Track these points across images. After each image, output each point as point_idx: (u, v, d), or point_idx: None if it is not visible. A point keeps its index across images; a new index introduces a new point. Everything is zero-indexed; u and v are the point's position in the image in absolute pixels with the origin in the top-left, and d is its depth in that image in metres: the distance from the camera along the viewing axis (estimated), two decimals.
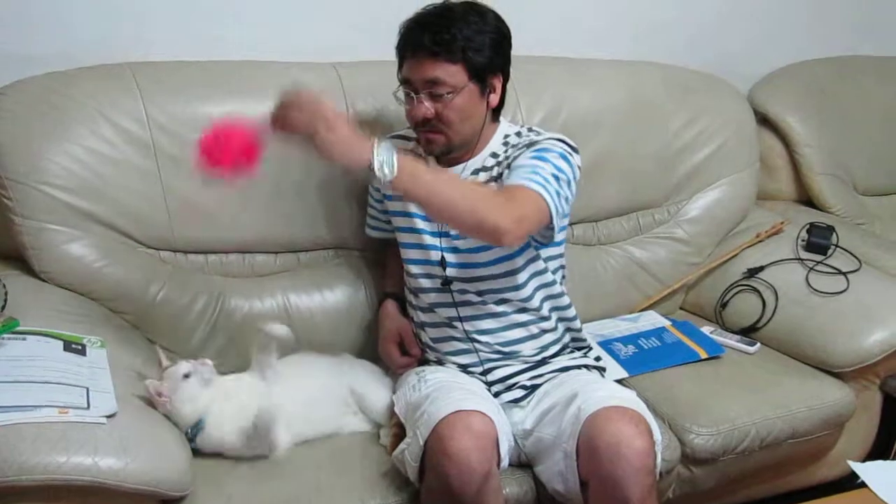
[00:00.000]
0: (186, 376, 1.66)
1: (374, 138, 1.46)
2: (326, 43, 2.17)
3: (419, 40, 1.66)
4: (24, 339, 1.57)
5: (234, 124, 1.49)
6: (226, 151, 1.46)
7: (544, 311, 1.83)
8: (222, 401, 1.69)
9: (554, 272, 1.84)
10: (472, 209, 1.52)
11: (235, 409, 1.69)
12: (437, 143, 1.73)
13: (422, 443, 1.55)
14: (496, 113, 1.80)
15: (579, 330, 1.90)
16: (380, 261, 2.10)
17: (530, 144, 1.72)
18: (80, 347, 1.62)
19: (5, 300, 1.59)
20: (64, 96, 1.84)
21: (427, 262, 1.81)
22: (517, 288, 1.79)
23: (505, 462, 1.62)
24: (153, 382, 1.63)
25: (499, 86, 1.75)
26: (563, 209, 1.67)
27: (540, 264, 1.80)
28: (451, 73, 1.66)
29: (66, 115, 1.82)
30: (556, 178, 1.64)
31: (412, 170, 1.48)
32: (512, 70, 1.80)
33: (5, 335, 1.54)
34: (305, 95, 1.45)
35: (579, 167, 1.73)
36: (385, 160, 1.43)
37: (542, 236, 1.74)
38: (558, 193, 1.63)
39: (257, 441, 1.66)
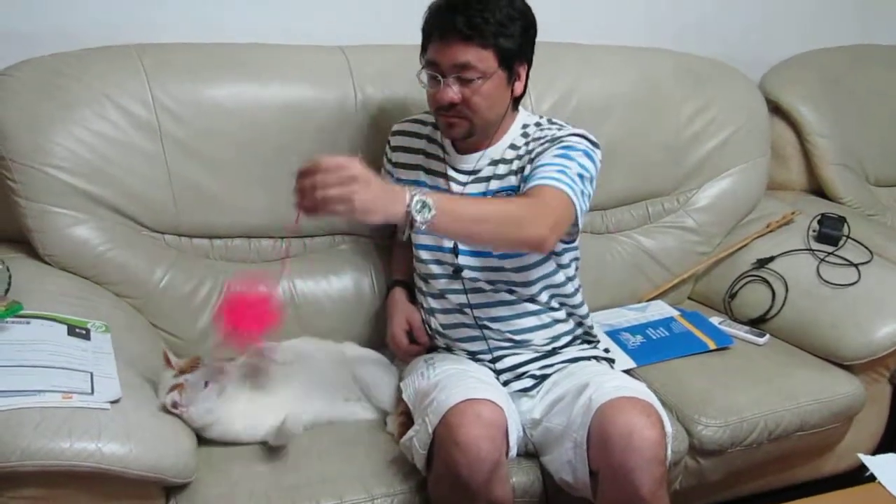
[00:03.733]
0: (205, 384, 1.62)
1: (402, 186, 1.42)
2: (334, 26, 2.15)
3: (450, 23, 1.62)
4: (27, 322, 1.56)
5: (248, 293, 1.57)
6: (245, 320, 1.53)
7: (554, 304, 1.81)
8: (236, 402, 1.68)
9: (567, 265, 1.82)
10: (512, 230, 1.51)
11: (251, 408, 1.68)
12: (460, 127, 1.70)
13: (430, 430, 1.54)
14: (516, 101, 1.78)
15: (591, 326, 1.89)
16: (388, 247, 2.08)
17: (553, 140, 1.69)
18: (84, 332, 1.61)
19: (9, 283, 1.57)
20: (69, 78, 1.82)
21: (439, 248, 1.80)
22: (528, 284, 1.77)
23: (514, 451, 1.61)
24: (171, 397, 1.58)
25: (523, 74, 1.72)
26: (585, 207, 1.65)
27: (555, 258, 1.79)
28: (482, 59, 1.63)
29: (71, 97, 1.81)
30: (581, 178, 1.63)
31: (448, 207, 1.43)
32: None
33: (9, 319, 1.53)
34: (325, 161, 1.35)
35: (601, 162, 1.71)
36: (422, 204, 1.39)
37: (567, 234, 1.71)
38: (583, 192, 1.62)
39: (274, 439, 1.65)
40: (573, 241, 1.80)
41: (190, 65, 1.94)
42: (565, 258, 1.80)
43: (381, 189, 1.38)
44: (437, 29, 1.65)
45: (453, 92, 1.65)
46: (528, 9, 1.70)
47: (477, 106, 1.66)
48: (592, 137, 1.72)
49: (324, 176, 1.33)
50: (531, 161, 1.69)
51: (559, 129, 1.73)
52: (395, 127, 1.93)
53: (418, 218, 1.38)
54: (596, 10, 2.50)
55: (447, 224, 1.43)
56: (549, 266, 1.78)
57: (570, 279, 1.82)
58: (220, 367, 1.68)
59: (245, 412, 1.68)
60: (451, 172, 1.79)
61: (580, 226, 1.67)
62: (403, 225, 1.40)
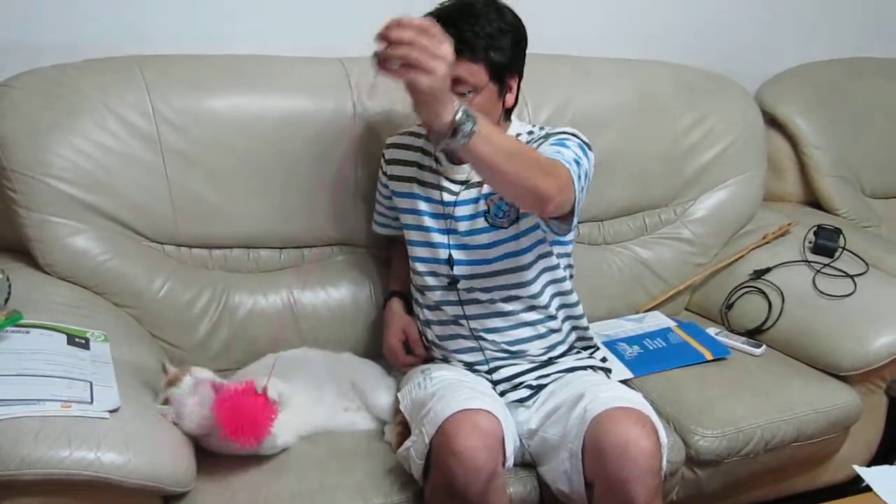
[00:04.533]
0: (190, 397, 1.61)
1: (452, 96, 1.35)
2: (333, 37, 2.15)
3: None
4: (27, 332, 1.56)
5: (244, 399, 1.58)
6: (241, 428, 1.55)
7: (552, 309, 1.82)
8: None
9: (563, 269, 1.83)
10: (532, 175, 1.46)
11: None
12: None
13: (427, 441, 1.54)
14: (508, 112, 1.79)
15: (586, 328, 1.89)
16: (386, 258, 2.09)
17: (547, 136, 1.71)
18: (83, 341, 1.61)
19: (9, 293, 1.58)
20: (70, 89, 1.83)
21: (434, 260, 1.80)
22: (526, 284, 1.78)
23: (510, 461, 1.61)
24: (161, 409, 1.58)
25: (515, 86, 1.73)
26: (581, 198, 1.64)
27: (552, 260, 1.80)
28: (473, 73, 1.64)
29: (71, 108, 1.82)
30: (578, 164, 1.62)
31: (486, 131, 1.37)
32: None
33: (9, 328, 1.53)
34: (429, 25, 1.25)
35: (594, 166, 1.72)
36: (467, 115, 1.33)
37: (559, 228, 1.70)
38: (579, 178, 1.61)
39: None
40: (564, 235, 1.78)
41: (190, 76, 1.95)
42: (562, 261, 1.81)
43: (446, 85, 1.31)
44: None
45: None
46: (519, 21, 1.71)
47: None
48: (585, 137, 1.72)
49: (422, 38, 1.24)
50: None
51: (551, 129, 1.75)
52: (389, 140, 1.94)
53: (462, 129, 1.33)
54: (593, 23, 2.51)
55: (481, 146, 1.37)
56: (551, 260, 1.78)
57: (565, 279, 1.82)
58: (210, 379, 1.66)
59: None
60: (444, 183, 1.80)
61: (576, 213, 1.65)
62: (443, 135, 1.35)
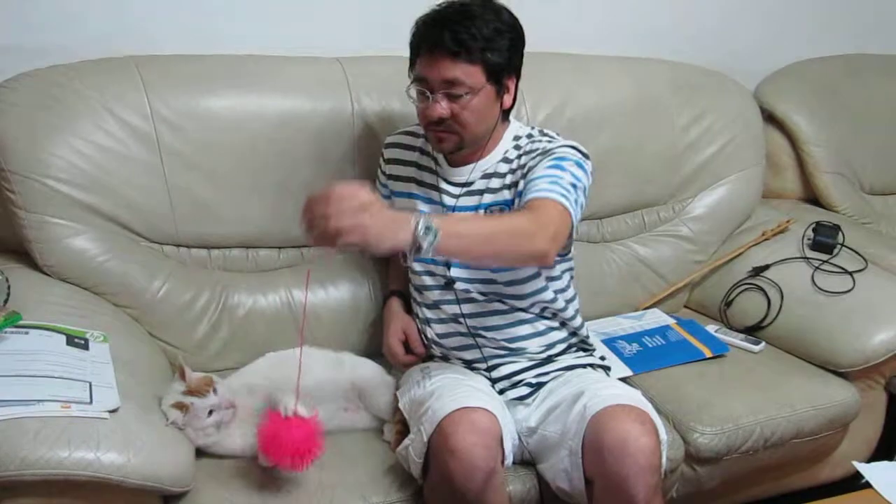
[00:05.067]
0: (210, 413, 1.61)
1: (406, 212, 1.40)
2: (332, 37, 2.16)
3: (438, 38, 1.62)
4: (26, 333, 1.56)
5: (286, 429, 1.54)
6: (286, 448, 1.52)
7: (551, 309, 1.82)
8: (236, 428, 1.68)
9: (558, 277, 1.82)
10: (516, 246, 1.50)
11: (249, 429, 1.67)
12: (449, 142, 1.70)
13: (426, 439, 1.54)
14: (506, 113, 1.78)
15: (586, 336, 1.89)
16: (385, 257, 2.09)
17: (545, 152, 1.69)
18: (82, 342, 1.61)
19: (8, 294, 1.58)
20: (68, 90, 1.83)
21: (432, 260, 1.80)
22: (524, 285, 1.77)
23: (509, 459, 1.62)
24: (173, 414, 1.58)
25: (512, 86, 1.72)
26: (579, 215, 1.65)
27: (545, 271, 1.79)
28: (470, 74, 1.63)
29: (69, 109, 1.82)
30: (574, 187, 1.63)
31: (450, 229, 1.40)
32: None
33: (8, 329, 1.53)
34: (335, 190, 1.31)
35: (592, 174, 1.72)
36: (426, 229, 1.37)
37: (562, 247, 1.72)
38: (576, 202, 1.62)
39: None
40: (567, 253, 1.81)
41: (188, 76, 1.95)
42: (556, 270, 1.81)
43: (390, 216, 1.37)
44: (425, 44, 1.65)
45: (442, 107, 1.65)
46: (516, 21, 1.70)
47: (466, 121, 1.66)
48: (583, 149, 1.72)
49: (336, 205, 1.30)
50: (524, 175, 1.70)
51: (549, 142, 1.73)
52: (388, 139, 1.94)
53: (424, 244, 1.37)
54: (592, 21, 2.51)
55: (452, 245, 1.42)
56: (540, 282, 1.78)
57: (558, 292, 1.81)
58: (231, 402, 1.65)
59: (243, 433, 1.67)
60: (443, 185, 1.80)
61: (573, 237, 1.67)
62: (409, 250, 1.38)
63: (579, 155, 1.70)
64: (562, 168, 1.65)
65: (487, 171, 1.77)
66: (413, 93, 1.70)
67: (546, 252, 1.52)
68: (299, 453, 1.52)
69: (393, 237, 1.35)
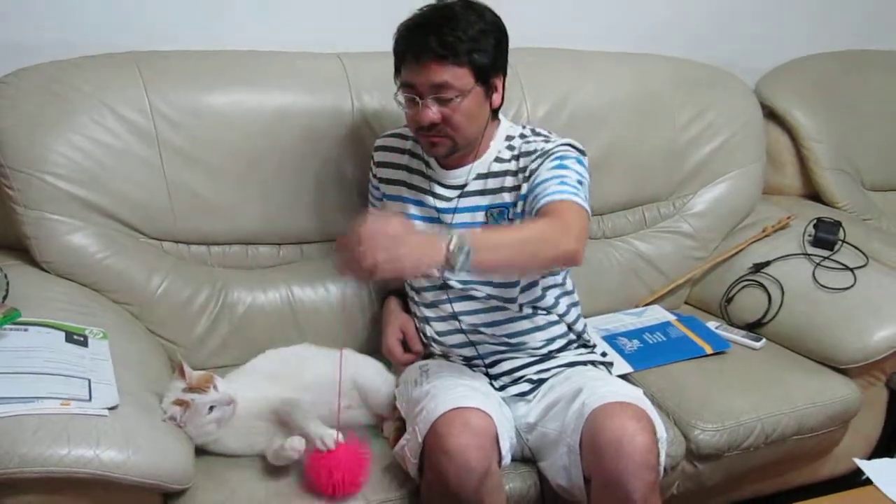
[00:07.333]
0: (210, 409, 1.61)
1: (436, 232, 1.42)
2: (331, 34, 2.15)
3: (423, 43, 1.61)
4: (25, 329, 1.56)
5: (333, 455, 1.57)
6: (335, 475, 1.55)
7: (550, 306, 1.81)
8: (237, 426, 1.67)
9: (557, 272, 1.82)
10: (544, 251, 1.50)
11: (250, 427, 1.67)
12: (443, 146, 1.69)
13: (420, 439, 1.54)
14: (496, 112, 1.77)
15: (583, 332, 1.88)
16: None
17: (544, 154, 1.68)
18: (81, 338, 1.61)
19: (7, 290, 1.58)
20: (67, 85, 1.82)
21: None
22: (516, 296, 1.77)
23: (506, 459, 1.61)
24: (173, 411, 1.57)
25: (500, 85, 1.71)
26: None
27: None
28: (459, 77, 1.62)
29: (68, 105, 1.81)
30: (581, 184, 1.63)
31: (482, 244, 1.42)
32: (517, 62, 1.78)
33: (7, 326, 1.53)
34: (365, 229, 1.34)
35: (588, 170, 1.72)
36: (459, 247, 1.38)
37: None
38: (586, 198, 1.62)
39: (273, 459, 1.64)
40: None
41: (187, 73, 1.95)
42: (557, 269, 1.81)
43: (422, 241, 1.40)
44: (411, 50, 1.64)
45: (433, 112, 1.64)
46: (498, 19, 1.69)
47: (458, 124, 1.65)
48: (579, 145, 1.72)
49: (368, 242, 1.33)
50: (527, 179, 1.69)
51: (545, 141, 1.73)
52: (378, 142, 1.93)
53: (458, 261, 1.38)
54: (591, 17, 2.51)
55: (486, 259, 1.42)
56: (533, 287, 1.78)
57: (553, 287, 1.81)
58: (231, 398, 1.64)
59: (244, 431, 1.67)
60: (436, 189, 1.79)
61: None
62: (443, 270, 1.40)
63: (577, 152, 1.70)
64: (565, 167, 1.65)
65: (482, 172, 1.76)
66: (401, 99, 1.69)
67: (575, 251, 1.52)
68: (359, 475, 1.57)
69: (428, 261, 1.38)
